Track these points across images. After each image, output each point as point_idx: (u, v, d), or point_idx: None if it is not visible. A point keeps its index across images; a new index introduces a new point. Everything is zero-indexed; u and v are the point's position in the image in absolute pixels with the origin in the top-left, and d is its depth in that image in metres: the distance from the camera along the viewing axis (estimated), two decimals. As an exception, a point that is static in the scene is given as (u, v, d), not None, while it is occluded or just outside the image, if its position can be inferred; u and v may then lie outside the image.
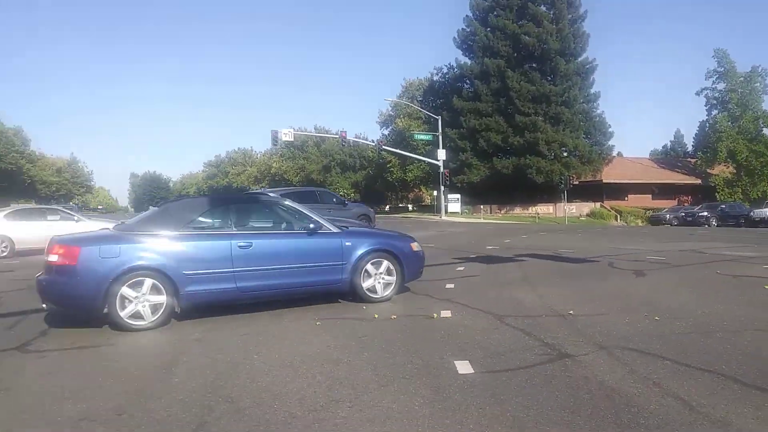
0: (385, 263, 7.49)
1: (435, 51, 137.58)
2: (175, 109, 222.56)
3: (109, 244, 6.20)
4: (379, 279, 7.46)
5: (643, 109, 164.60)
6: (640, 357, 4.73)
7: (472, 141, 49.66)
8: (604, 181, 48.87)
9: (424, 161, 48.73)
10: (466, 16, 51.27)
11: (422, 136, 48.08)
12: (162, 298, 6.20)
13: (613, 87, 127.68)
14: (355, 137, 68.00)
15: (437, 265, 11.10)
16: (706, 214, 34.44)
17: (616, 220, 46.03)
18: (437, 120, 46.78)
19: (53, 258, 6.04)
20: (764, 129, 49.86)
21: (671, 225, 35.54)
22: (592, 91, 48.59)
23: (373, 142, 48.98)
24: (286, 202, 7.70)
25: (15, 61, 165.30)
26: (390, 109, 60.40)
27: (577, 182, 50.47)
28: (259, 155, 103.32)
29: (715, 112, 52.08)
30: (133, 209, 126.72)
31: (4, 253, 14.90)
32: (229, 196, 7.10)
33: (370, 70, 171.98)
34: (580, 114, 47.28)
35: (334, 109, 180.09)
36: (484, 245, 16.30)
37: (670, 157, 70.42)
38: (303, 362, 4.80)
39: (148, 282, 6.14)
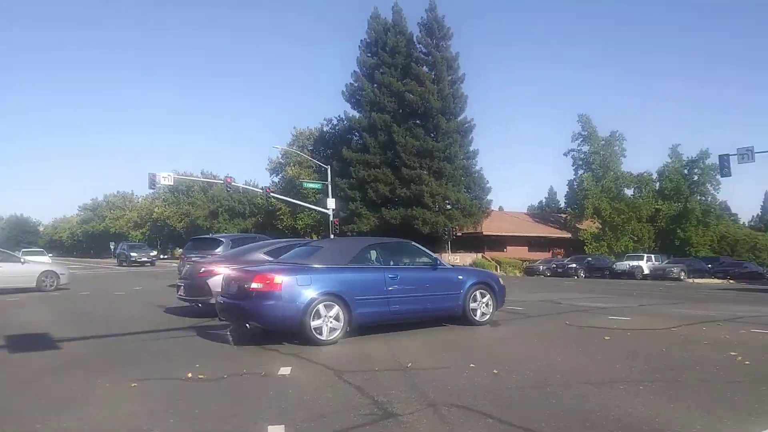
0: (487, 294, 9.26)
1: (325, 102, 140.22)
2: (45, 146, 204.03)
3: (303, 275, 7.67)
4: (482, 306, 9.18)
5: (521, 167, 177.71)
6: (465, 415, 4.54)
7: (361, 191, 50.28)
8: (485, 233, 51.25)
9: (314, 210, 48.38)
10: (354, 71, 52.87)
11: (312, 185, 47.98)
12: (340, 319, 7.64)
13: (492, 145, 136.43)
14: (244, 184, 66.47)
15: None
16: (574, 265, 36.98)
17: (496, 270, 48.15)
18: (327, 169, 46.98)
19: (257, 285, 7.38)
20: (624, 189, 55.25)
21: (545, 276, 37.73)
22: (472, 148, 51.42)
23: (261, 189, 47.84)
24: (412, 243, 9.71)
25: None
26: (280, 156, 59.90)
27: (460, 234, 52.62)
28: (139, 199, 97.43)
29: (581, 171, 56.89)
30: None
31: None
32: (373, 238, 11.30)
33: (261, 118, 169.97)
34: (460, 169, 49.71)
35: (222, 155, 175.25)
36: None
37: (545, 212, 75.85)
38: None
39: (333, 305, 7.59)
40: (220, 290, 8.49)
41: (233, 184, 42.23)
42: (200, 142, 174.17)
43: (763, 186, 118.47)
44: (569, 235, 55.31)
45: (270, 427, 4.20)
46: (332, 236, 47.03)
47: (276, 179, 61.89)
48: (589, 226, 55.41)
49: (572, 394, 5.15)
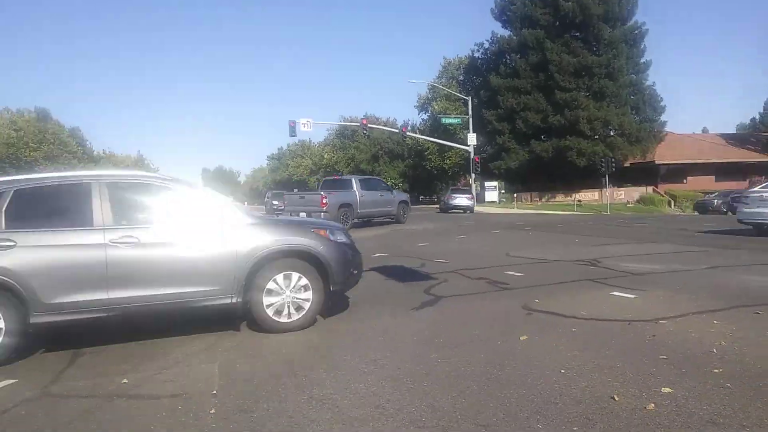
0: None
1: (477, 25, 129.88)
2: (240, 106, 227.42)
3: None
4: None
5: (728, 79, 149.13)
6: None
7: (510, 122, 46.23)
8: (657, 162, 43.87)
9: (455, 147, 45.98)
10: (504, -19, 47.52)
11: (450, 120, 45.41)
12: None
13: (678, 55, 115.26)
14: (383, 124, 66.01)
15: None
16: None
17: (670, 206, 41.23)
18: (468, 101, 43.97)
19: None
20: None
21: (720, 213, 30.79)
22: (643, 60, 43.55)
23: (398, 129, 46.66)
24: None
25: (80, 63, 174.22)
26: (428, 92, 57.61)
27: (627, 164, 45.87)
28: (316, 146, 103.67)
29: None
30: None
31: None
32: None
33: (409, 51, 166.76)
34: (627, 87, 42.58)
35: (377, 95, 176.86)
36: (412, 248, 13.12)
37: (744, 133, 62.55)
38: None
39: None
40: None
41: (367, 126, 41.61)
42: (357, 83, 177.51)
43: None
44: (768, 159, 44.82)
45: None
46: (473, 176, 44.50)
47: (425, 116, 60.14)
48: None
49: None
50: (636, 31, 43.31)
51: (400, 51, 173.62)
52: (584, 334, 4.78)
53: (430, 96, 57.84)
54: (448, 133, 51.33)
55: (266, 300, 5.23)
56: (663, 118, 44.40)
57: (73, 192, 4.94)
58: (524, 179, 50.41)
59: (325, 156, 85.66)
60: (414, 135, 46.76)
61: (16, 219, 4.70)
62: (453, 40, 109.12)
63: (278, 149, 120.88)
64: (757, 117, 79.67)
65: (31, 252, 4.59)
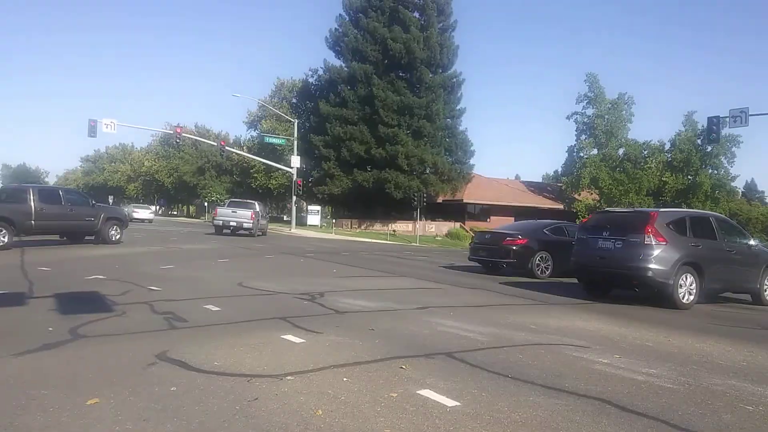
0: None
1: (312, 50, 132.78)
2: (47, 101, 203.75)
3: None
4: None
5: (528, 134, 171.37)
6: None
7: (336, 150, 46.62)
8: (465, 201, 47.28)
9: (278, 168, 44.98)
10: (339, 15, 48.53)
11: (274, 140, 44.49)
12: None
13: (487, 106, 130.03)
14: (214, 136, 63.31)
15: None
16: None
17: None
18: (295, 123, 43.38)
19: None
20: (626, 159, 50.23)
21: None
22: (459, 107, 47.04)
23: (215, 142, 44.48)
24: None
25: None
26: (258, 109, 56.23)
27: (440, 200, 48.79)
28: (138, 151, 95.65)
29: (583, 137, 52.08)
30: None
31: None
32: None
33: (248, 67, 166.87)
34: (443, 129, 45.57)
35: (216, 107, 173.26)
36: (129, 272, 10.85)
37: (542, 182, 70.73)
38: None
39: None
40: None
41: (184, 135, 38.87)
42: (196, 93, 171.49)
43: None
44: (561, 207, 50.82)
45: None
46: (294, 198, 43.91)
47: (254, 133, 58.52)
48: (586, 197, 50.83)
49: None
50: (454, 79, 46.64)
51: (236, 64, 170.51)
52: (180, 395, 3.93)
53: (260, 114, 56.44)
54: (275, 153, 50.26)
55: None
56: (472, 161, 48.17)
57: None
58: (347, 206, 51.06)
59: (146, 163, 79.18)
60: (233, 150, 44.88)
61: None
62: (289, 61, 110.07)
63: (95, 150, 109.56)
64: (559, 170, 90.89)
65: None
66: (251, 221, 28.12)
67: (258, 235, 28.91)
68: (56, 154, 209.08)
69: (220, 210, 29.62)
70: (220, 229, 28.40)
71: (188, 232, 33.22)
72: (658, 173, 48.89)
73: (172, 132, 37.59)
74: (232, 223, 28.06)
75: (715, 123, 24.85)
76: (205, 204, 69.52)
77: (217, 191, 68.49)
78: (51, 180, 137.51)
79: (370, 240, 38.03)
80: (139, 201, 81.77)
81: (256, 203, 30.61)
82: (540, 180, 71.95)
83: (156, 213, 65.58)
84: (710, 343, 6.37)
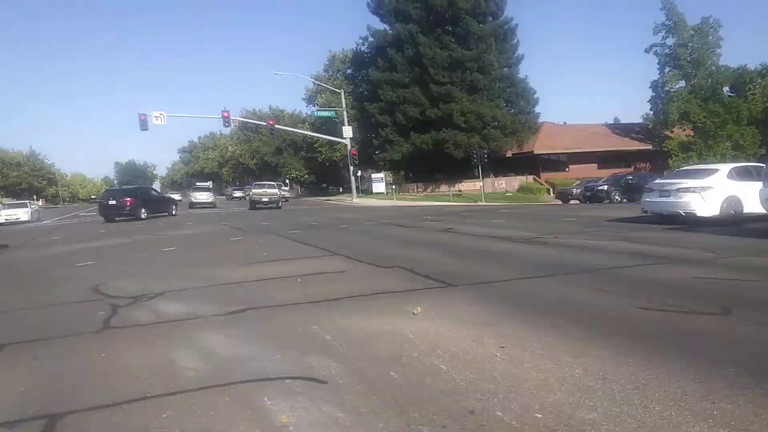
0: None
1: (360, 19, 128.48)
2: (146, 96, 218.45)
3: None
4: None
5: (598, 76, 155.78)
6: None
7: (391, 115, 44.83)
8: (536, 152, 43.45)
9: (332, 140, 44.12)
10: (378, -24, 45.84)
11: (324, 113, 43.55)
12: None
13: (553, 51, 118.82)
14: (288, 117, 63.83)
15: None
16: (605, 187, 28.57)
17: (549, 194, 40.96)
18: (346, 93, 42.11)
19: None
20: (720, 87, 43.52)
21: (580, 202, 30.15)
22: (515, 54, 42.91)
23: (265, 122, 44.28)
24: None
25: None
26: (314, 85, 55.38)
27: (509, 155, 45.39)
28: (226, 138, 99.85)
29: (667, 69, 45.70)
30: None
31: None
32: None
33: (295, 45, 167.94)
34: (499, 80, 41.94)
35: (269, 88, 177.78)
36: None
37: (629, 124, 63.69)
38: None
39: None
40: None
41: (231, 117, 39.02)
42: (253, 77, 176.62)
43: None
44: (650, 147, 45.31)
45: None
46: (351, 168, 42.88)
47: (311, 109, 58.04)
48: (678, 134, 44.82)
49: None
50: (506, 26, 42.77)
51: (288, 43, 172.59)
52: None
53: (316, 90, 55.67)
54: (336, 126, 49.39)
55: None
56: (537, 110, 44.31)
57: None
58: (411, 170, 49.32)
59: (230, 148, 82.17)
60: (284, 127, 44.51)
61: None
62: (340, 32, 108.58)
63: (189, 142, 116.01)
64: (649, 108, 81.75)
65: None
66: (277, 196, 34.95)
67: (279, 207, 34.15)
68: (157, 148, 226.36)
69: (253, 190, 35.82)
70: (254, 204, 34.21)
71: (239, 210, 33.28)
72: (762, 99, 41.74)
73: (220, 117, 37.79)
74: (264, 199, 34.10)
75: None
76: (287, 181, 70.82)
77: (296, 167, 69.45)
78: (161, 172, 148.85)
79: (429, 203, 36.22)
80: (236, 184, 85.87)
81: (275, 183, 38.89)
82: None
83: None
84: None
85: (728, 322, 4.67)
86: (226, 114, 37.81)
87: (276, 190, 35.31)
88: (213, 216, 28.73)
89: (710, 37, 43.32)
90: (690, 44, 43.38)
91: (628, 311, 5.16)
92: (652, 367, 3.61)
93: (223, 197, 66.92)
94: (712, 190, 13.23)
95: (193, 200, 39.51)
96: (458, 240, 12.16)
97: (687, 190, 13.45)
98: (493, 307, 5.62)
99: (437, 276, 7.37)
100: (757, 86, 42.87)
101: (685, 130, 44.89)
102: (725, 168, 14.19)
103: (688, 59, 43.56)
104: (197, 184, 49.78)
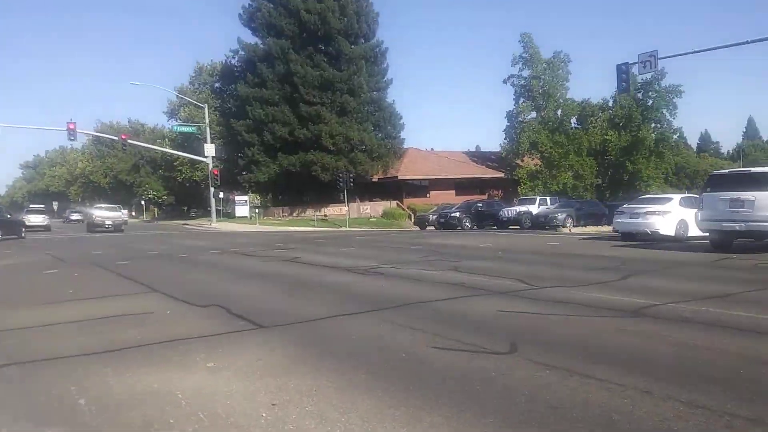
0: None
1: (232, 30, 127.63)
2: None
3: None
4: None
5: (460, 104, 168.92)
6: None
7: (259, 134, 43.67)
8: (400, 177, 44.74)
9: (192, 159, 41.94)
10: (253, -13, 44.93)
11: (184, 129, 41.45)
12: None
13: (421, 76, 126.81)
14: (149, 131, 60.19)
15: None
16: (457, 214, 29.93)
17: (410, 219, 42.08)
18: (207, 108, 40.28)
19: None
20: (566, 119, 47.92)
21: (435, 228, 31.07)
22: (385, 78, 44.21)
23: (116, 136, 41.20)
24: None
25: None
26: (177, 98, 52.64)
27: (375, 179, 46.22)
28: (78, 153, 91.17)
29: (521, 100, 49.55)
30: None
31: None
32: None
33: (166, 54, 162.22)
34: (368, 104, 42.77)
35: (132, 99, 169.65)
36: None
37: (485, 151, 68.36)
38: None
39: None
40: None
41: (78, 130, 35.60)
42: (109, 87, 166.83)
43: (746, 113, 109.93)
44: (502, 175, 48.62)
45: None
46: (212, 189, 41.05)
47: (171, 125, 55.07)
48: (528, 163, 48.63)
49: None
50: (376, 49, 43.79)
51: (155, 53, 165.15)
52: None
53: (179, 103, 52.87)
54: (199, 143, 47.04)
55: None
56: (403, 135, 45.87)
57: None
58: (277, 193, 48.32)
59: (80, 165, 75.03)
60: (135, 143, 41.60)
61: None
62: (209, 43, 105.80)
63: (34, 156, 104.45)
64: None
65: None
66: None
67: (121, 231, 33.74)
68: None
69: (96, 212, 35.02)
70: (93, 228, 33.52)
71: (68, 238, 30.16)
72: (601, 132, 46.77)
73: (65, 130, 34.21)
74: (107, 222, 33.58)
75: (624, 71, 22.59)
76: (142, 203, 66.01)
77: (154, 187, 65.00)
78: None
79: (292, 228, 35.60)
80: (85, 204, 78.01)
81: (117, 206, 38.73)
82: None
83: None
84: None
85: (510, 362, 4.74)
86: (72, 126, 34.30)
87: (119, 213, 34.92)
88: (42, 242, 25.84)
89: (560, 70, 47.41)
90: (542, 77, 47.18)
91: (422, 351, 5.07)
92: (416, 422, 3.46)
93: (60, 220, 60.90)
94: (670, 214, 16.32)
95: (27, 223, 35.24)
96: (298, 271, 11.80)
97: (653, 213, 16.43)
98: (295, 351, 5.28)
99: (252, 316, 6.89)
100: (597, 119, 47.86)
101: (534, 159, 48.83)
102: (677, 197, 17.71)
103: (540, 91, 47.33)
104: (31, 206, 47.20)
